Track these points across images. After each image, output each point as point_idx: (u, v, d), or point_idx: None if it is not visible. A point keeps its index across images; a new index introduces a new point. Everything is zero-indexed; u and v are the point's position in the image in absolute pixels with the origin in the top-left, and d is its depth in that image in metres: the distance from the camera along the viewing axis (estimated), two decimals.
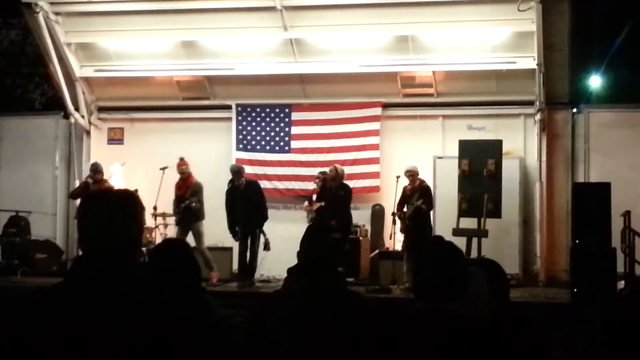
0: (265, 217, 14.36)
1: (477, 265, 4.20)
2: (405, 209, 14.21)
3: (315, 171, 15.70)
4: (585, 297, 11.99)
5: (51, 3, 16.62)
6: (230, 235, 14.44)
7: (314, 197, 15.07)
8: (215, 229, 15.08)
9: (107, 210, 3.13)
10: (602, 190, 12.85)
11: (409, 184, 14.29)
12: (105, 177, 15.46)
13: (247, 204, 14.17)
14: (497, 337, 3.74)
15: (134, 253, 3.16)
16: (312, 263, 4.58)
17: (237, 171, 14.63)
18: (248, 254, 14.24)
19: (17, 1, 16.41)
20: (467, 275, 3.85)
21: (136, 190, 4.17)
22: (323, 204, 14.47)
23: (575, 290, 12.36)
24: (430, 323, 3.68)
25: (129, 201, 3.18)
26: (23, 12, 16.91)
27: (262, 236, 14.18)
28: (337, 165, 14.76)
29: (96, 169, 15.35)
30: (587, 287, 12.13)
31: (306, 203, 15.15)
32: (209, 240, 15.13)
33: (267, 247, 14.15)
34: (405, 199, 14.26)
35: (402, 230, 14.17)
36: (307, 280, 4.50)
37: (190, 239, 14.32)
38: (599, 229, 12.49)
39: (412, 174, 14.20)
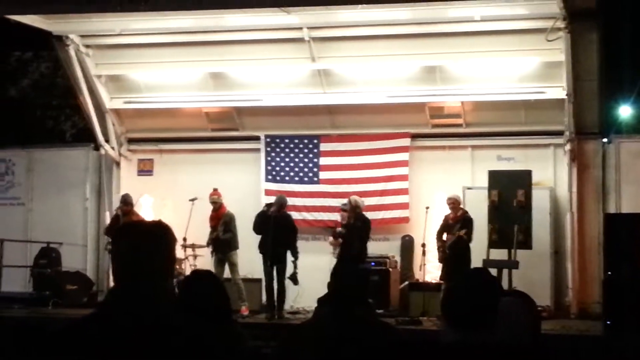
0: (295, 250, 14.33)
1: (511, 297, 4.16)
2: (444, 238, 14.16)
3: (344, 202, 15.73)
4: (618, 330, 11.84)
5: (82, 36, 16.85)
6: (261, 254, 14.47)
7: (339, 229, 15.02)
8: (245, 259, 15.11)
9: (139, 241, 3.12)
10: (634, 221, 12.75)
11: (451, 213, 14.25)
12: (135, 208, 15.60)
13: (278, 234, 14.15)
14: None
15: (166, 284, 3.15)
16: (342, 293, 4.57)
17: (279, 201, 14.63)
18: (275, 285, 14.21)
19: (48, 34, 16.60)
20: (497, 305, 3.80)
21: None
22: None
23: (608, 322, 12.21)
24: (462, 354, 3.64)
25: (161, 232, 3.18)
26: (54, 45, 17.12)
27: (292, 268, 14.14)
28: (351, 198, 14.65)
29: (125, 201, 15.49)
30: (620, 320, 11.97)
31: (331, 238, 15.09)
32: (239, 271, 15.16)
33: (294, 280, 14.09)
34: (446, 227, 14.21)
35: (440, 260, 14.09)
36: (337, 310, 4.48)
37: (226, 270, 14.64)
38: (631, 260, 12.36)
39: (453, 203, 14.19)
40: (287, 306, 14.52)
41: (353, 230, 14.17)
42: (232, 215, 15.17)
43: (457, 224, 14.02)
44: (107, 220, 16.75)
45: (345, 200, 15.02)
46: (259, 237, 14.44)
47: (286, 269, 14.20)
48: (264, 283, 14.59)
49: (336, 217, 15.41)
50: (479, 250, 14.32)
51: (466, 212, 14.27)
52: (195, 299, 4.43)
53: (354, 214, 14.33)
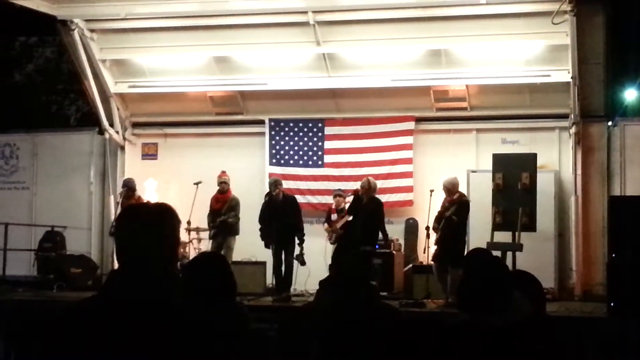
0: (302, 232, 14.35)
1: (515, 277, 4.18)
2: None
3: (348, 185, 15.78)
4: (621, 312, 11.85)
5: (86, 20, 16.81)
6: (264, 244, 14.47)
7: (333, 216, 15.04)
8: (249, 243, 15.11)
9: (143, 223, 3.12)
10: (639, 204, 12.71)
11: (448, 197, 14.19)
12: (139, 192, 15.63)
13: (284, 217, 14.18)
14: (534, 347, 3.71)
15: (171, 266, 3.16)
16: (344, 275, 4.58)
17: (272, 183, 14.70)
18: (283, 268, 14.27)
19: (53, 18, 16.58)
20: (512, 288, 3.83)
21: None
22: (350, 218, 14.48)
23: (612, 304, 12.21)
24: (472, 335, 3.66)
25: (165, 215, 3.18)
26: (59, 30, 17.10)
27: (299, 250, 14.19)
28: (369, 178, 14.68)
29: (127, 185, 15.49)
30: (624, 302, 11.97)
31: (326, 225, 15.14)
32: (243, 254, 15.21)
33: (300, 260, 14.13)
34: (443, 212, 14.19)
35: (435, 242, 14.09)
36: (339, 292, 4.50)
37: None
38: (635, 242, 12.33)
39: (445, 188, 14.09)
40: (290, 288, 14.53)
41: (367, 212, 14.21)
42: (238, 200, 15.17)
43: (453, 207, 13.95)
44: (112, 204, 16.83)
45: (341, 185, 15.12)
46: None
47: (294, 250, 14.24)
48: (270, 266, 14.60)
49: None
50: (483, 232, 14.34)
51: (463, 196, 14.13)
52: (201, 280, 4.46)
53: (367, 196, 14.35)
